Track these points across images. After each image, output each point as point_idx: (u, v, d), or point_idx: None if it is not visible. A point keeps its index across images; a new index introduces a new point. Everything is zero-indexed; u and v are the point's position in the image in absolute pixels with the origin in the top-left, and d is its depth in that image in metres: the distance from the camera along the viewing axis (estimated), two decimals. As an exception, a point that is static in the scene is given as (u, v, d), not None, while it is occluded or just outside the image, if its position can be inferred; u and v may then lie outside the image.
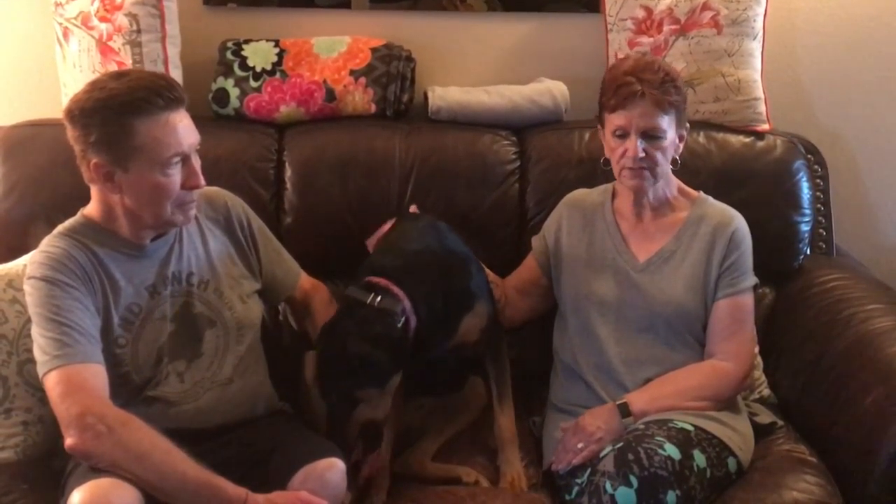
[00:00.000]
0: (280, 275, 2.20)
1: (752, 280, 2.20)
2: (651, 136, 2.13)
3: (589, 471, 1.96)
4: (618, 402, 2.10)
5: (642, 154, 2.12)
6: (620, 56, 2.66)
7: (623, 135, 2.14)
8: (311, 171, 2.53)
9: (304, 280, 2.27)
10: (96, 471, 1.74)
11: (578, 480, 2.02)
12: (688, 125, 2.27)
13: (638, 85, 2.11)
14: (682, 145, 2.22)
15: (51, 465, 2.04)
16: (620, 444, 1.92)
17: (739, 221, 2.22)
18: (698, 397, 2.10)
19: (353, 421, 1.98)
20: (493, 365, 2.21)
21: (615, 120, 2.14)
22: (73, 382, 1.78)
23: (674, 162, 2.21)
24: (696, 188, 2.31)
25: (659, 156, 2.14)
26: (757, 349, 2.45)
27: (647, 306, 2.18)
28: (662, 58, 2.64)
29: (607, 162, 2.25)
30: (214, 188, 2.13)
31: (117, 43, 2.52)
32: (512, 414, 2.19)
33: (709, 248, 2.18)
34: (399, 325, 1.99)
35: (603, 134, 2.23)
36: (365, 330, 1.96)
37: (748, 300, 2.20)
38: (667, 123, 2.14)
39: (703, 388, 2.12)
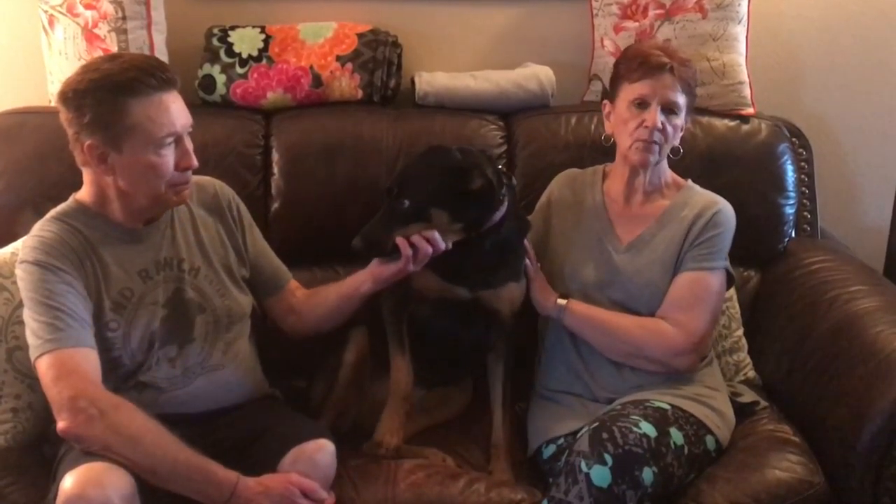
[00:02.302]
0: (268, 270, 2.20)
1: (724, 263, 2.17)
2: (669, 110, 2.16)
3: (567, 452, 1.97)
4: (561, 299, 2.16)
5: (660, 126, 2.14)
6: (607, 41, 2.68)
7: (643, 105, 2.15)
8: (299, 156, 2.53)
9: (294, 284, 2.25)
10: (89, 455, 1.75)
11: (560, 463, 2.03)
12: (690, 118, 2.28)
13: (667, 58, 2.15)
14: (680, 135, 2.23)
15: (41, 452, 2.04)
16: (596, 424, 1.94)
17: (724, 206, 2.21)
18: (626, 340, 2.13)
19: (408, 229, 1.98)
20: (502, 368, 2.23)
21: (638, 89, 2.15)
22: (66, 366, 1.79)
23: (675, 151, 2.22)
24: (682, 172, 2.32)
25: (671, 132, 2.17)
26: (741, 331, 2.48)
27: (625, 289, 2.19)
28: (648, 42, 2.66)
29: (608, 139, 2.26)
30: (206, 177, 2.14)
31: (103, 30, 2.52)
32: (508, 421, 2.22)
33: (687, 229, 2.17)
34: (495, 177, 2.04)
35: (612, 108, 2.23)
36: (476, 159, 2.06)
37: (714, 280, 2.15)
38: (683, 103, 2.18)
39: (633, 332, 2.12)
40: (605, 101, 2.28)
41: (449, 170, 2.02)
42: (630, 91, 2.17)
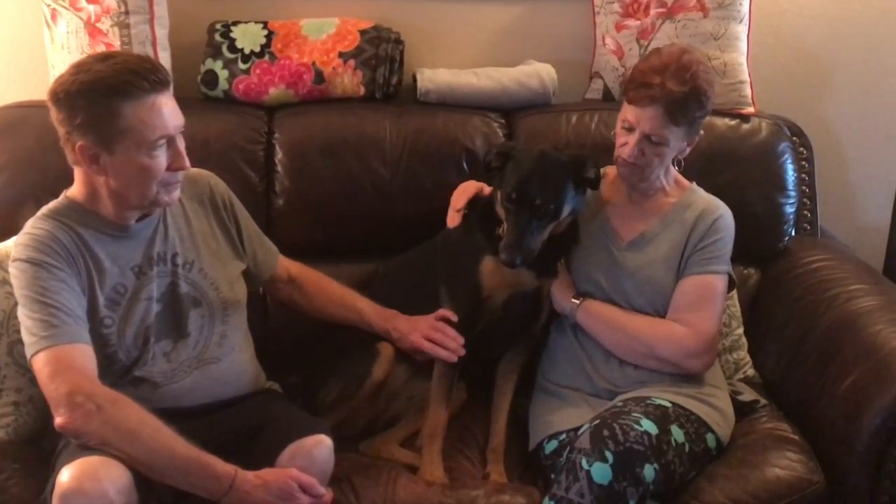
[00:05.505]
0: (261, 254, 2.21)
1: (727, 268, 2.17)
2: (654, 141, 2.11)
3: (568, 449, 1.98)
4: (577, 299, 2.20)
5: (638, 154, 2.12)
6: (608, 39, 2.68)
7: (629, 128, 2.13)
8: (302, 153, 2.53)
9: (285, 260, 2.28)
10: (86, 449, 1.75)
11: (562, 460, 2.03)
12: (701, 131, 2.23)
13: (659, 90, 2.08)
14: (689, 149, 2.20)
15: (41, 445, 2.05)
16: (597, 421, 1.95)
17: (725, 212, 2.21)
18: (639, 340, 2.14)
19: (545, 232, 2.11)
20: (512, 384, 2.30)
21: (627, 112, 2.14)
22: (62, 362, 1.79)
23: (678, 163, 2.21)
24: (683, 171, 2.31)
25: (656, 161, 2.14)
26: (741, 329, 2.49)
27: (627, 285, 2.19)
28: (649, 41, 2.65)
29: (615, 136, 2.24)
30: (197, 169, 2.12)
31: (105, 24, 2.52)
32: (506, 427, 2.26)
33: (689, 230, 2.17)
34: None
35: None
36: (579, 152, 2.25)
37: (718, 282, 2.15)
38: (674, 135, 2.12)
39: (645, 332, 2.14)
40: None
41: (570, 164, 2.14)
42: (623, 110, 2.16)
